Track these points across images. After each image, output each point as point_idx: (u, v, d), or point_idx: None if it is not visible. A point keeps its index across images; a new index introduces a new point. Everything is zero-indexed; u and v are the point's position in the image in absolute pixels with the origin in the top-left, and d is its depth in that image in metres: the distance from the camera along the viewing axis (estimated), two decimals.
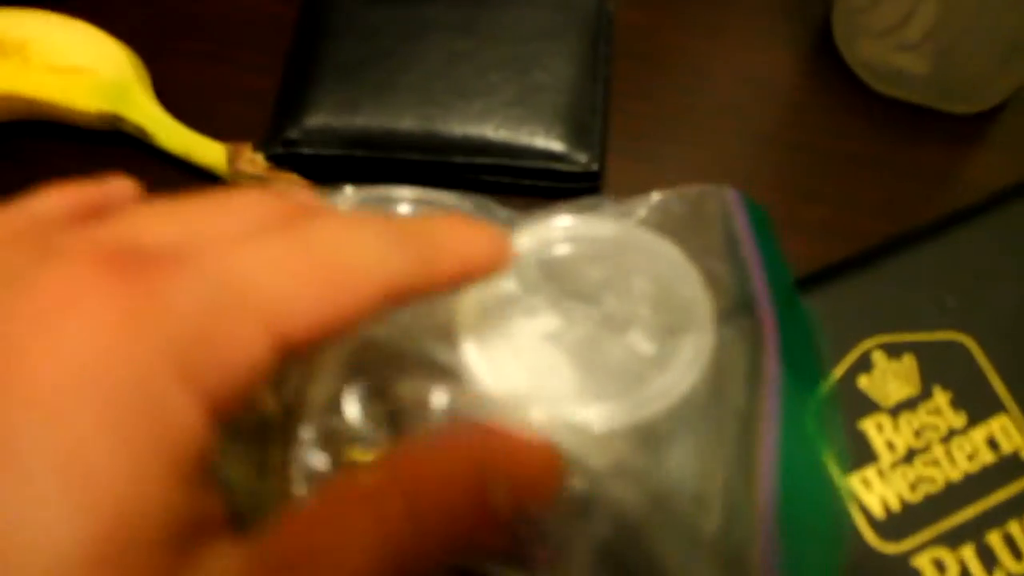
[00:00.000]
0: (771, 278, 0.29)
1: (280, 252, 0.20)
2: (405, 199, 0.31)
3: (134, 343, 0.18)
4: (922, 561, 0.35)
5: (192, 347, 0.18)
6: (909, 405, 0.38)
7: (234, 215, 0.21)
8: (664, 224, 0.30)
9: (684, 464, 0.26)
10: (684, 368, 0.27)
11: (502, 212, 0.30)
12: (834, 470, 0.29)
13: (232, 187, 0.23)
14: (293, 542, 0.20)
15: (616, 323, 0.27)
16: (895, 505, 0.36)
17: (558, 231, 0.30)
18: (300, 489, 0.23)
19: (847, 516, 0.28)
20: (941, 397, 0.38)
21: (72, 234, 0.20)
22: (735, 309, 0.29)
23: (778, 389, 0.27)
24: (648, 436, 0.25)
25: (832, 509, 0.27)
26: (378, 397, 0.25)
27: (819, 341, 0.30)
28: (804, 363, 0.29)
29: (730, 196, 0.31)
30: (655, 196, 0.31)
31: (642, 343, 0.27)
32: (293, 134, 0.46)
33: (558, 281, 0.28)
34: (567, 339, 0.27)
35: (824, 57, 0.48)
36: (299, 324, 0.20)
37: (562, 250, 0.29)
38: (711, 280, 0.29)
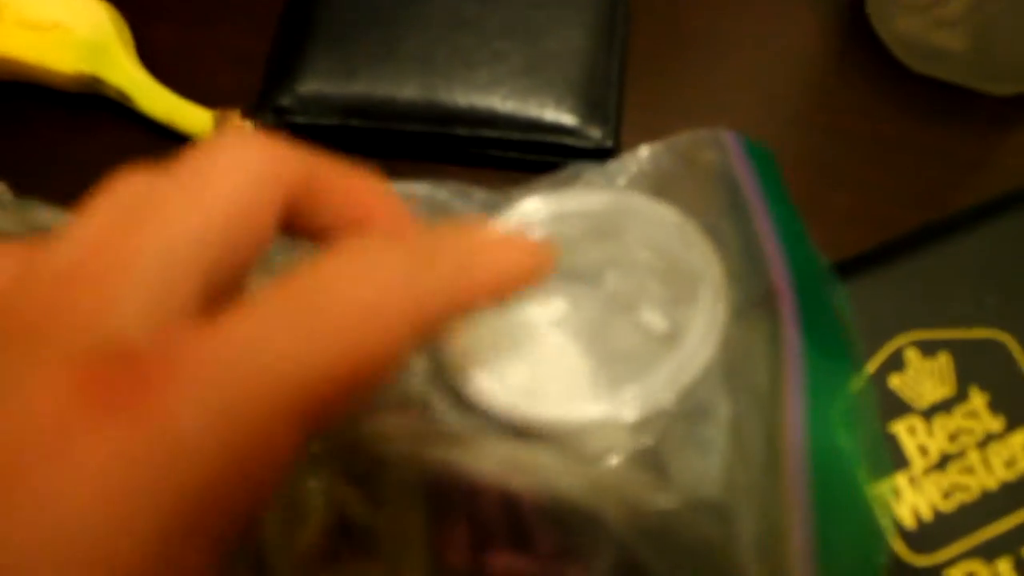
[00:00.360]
0: (780, 229, 0.27)
1: (283, 311, 0.18)
2: None
3: (133, 507, 0.15)
4: (955, 575, 0.34)
5: (205, 488, 0.16)
6: (944, 407, 0.37)
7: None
8: (657, 183, 0.29)
9: (708, 450, 0.25)
10: (697, 344, 0.25)
11: (480, 195, 0.29)
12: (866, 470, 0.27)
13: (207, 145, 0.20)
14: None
15: (623, 301, 0.27)
16: (927, 514, 0.35)
17: (544, 211, 0.28)
18: None
19: (887, 506, 0.26)
20: (978, 399, 0.37)
21: (51, 328, 0.17)
22: (745, 274, 0.27)
23: (800, 363, 0.26)
24: (668, 423, 0.25)
25: (868, 497, 0.25)
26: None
27: (842, 305, 0.27)
28: (828, 333, 0.27)
29: (727, 139, 0.29)
30: (643, 151, 0.29)
31: (653, 319, 0.26)
32: (285, 101, 0.44)
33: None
34: (575, 324, 0.26)
35: (855, 32, 0.47)
36: (328, 393, 0.17)
37: (553, 230, 0.28)
38: (714, 238, 0.27)
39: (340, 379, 0.17)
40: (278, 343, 0.17)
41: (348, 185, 0.22)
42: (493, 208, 0.28)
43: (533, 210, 0.28)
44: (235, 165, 0.19)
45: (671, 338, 0.26)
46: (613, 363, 0.26)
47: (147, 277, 0.17)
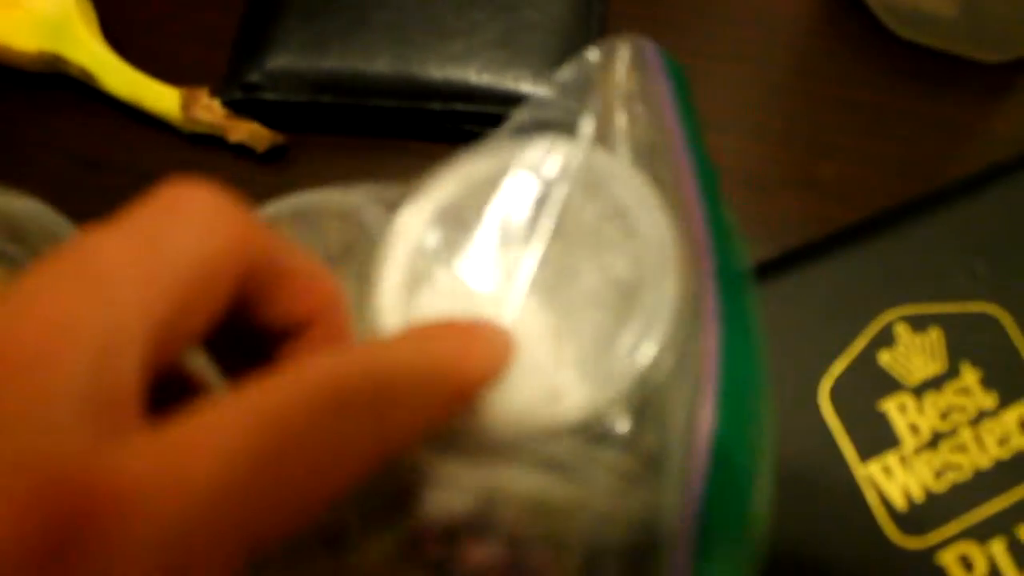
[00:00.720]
0: (698, 168, 0.27)
1: (242, 444, 0.17)
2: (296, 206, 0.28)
3: None
4: (948, 557, 0.34)
5: None
6: (935, 384, 0.37)
7: None
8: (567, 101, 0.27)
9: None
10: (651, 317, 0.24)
11: (391, 192, 0.27)
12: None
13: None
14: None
15: (587, 245, 0.26)
16: (918, 495, 0.35)
17: (474, 189, 0.27)
18: None
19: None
20: (970, 375, 0.37)
21: None
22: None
23: (714, 282, 0.25)
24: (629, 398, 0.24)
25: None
26: None
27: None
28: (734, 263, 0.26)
29: (643, 47, 0.28)
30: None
31: (615, 263, 0.26)
32: (254, 77, 0.43)
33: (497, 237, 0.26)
34: (541, 279, 0.25)
35: None
36: (274, 528, 0.17)
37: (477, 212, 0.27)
38: (630, 121, 0.26)
39: (287, 523, 0.17)
40: (231, 480, 0.16)
41: (301, 277, 0.21)
42: (403, 199, 0.27)
43: (469, 184, 0.27)
44: (200, 225, 0.18)
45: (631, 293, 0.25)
46: (578, 313, 0.25)
47: (87, 360, 0.16)
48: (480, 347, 0.22)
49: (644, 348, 0.24)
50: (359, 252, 0.26)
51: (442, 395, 0.21)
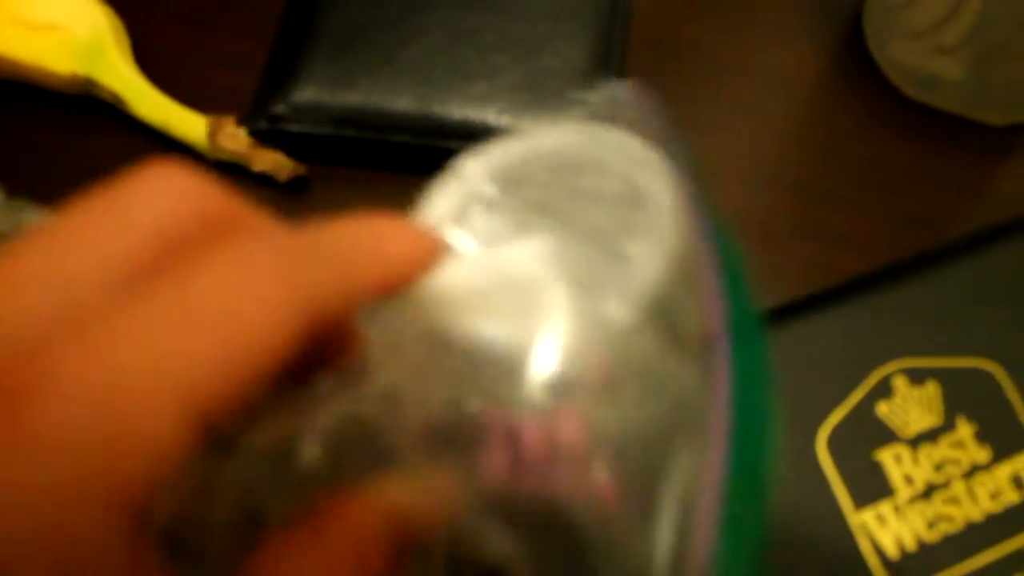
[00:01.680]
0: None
1: (163, 312, 0.18)
2: None
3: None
4: None
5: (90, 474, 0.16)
6: (930, 436, 0.37)
7: (103, 249, 0.19)
8: None
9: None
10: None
11: None
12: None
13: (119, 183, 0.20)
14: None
15: (600, 231, 0.26)
16: (911, 544, 0.36)
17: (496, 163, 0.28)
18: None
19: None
20: (965, 429, 0.37)
21: None
22: None
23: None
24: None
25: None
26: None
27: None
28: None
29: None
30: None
31: (629, 247, 0.26)
32: (279, 109, 0.44)
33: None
34: (557, 258, 0.26)
35: (853, 57, 0.47)
36: (213, 391, 0.18)
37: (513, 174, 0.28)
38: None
39: (227, 373, 0.18)
40: (159, 341, 0.17)
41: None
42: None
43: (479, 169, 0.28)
44: (159, 188, 0.19)
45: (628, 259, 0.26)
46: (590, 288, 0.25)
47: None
48: (403, 236, 0.22)
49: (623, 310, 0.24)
50: None
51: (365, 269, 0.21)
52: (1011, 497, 0.36)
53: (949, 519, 0.36)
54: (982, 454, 0.37)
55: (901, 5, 0.44)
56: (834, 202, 0.44)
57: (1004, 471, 0.36)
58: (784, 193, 0.44)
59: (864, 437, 0.37)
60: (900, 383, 0.37)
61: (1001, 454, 0.37)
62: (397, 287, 0.22)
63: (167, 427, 0.17)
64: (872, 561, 0.35)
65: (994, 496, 0.36)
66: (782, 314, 0.39)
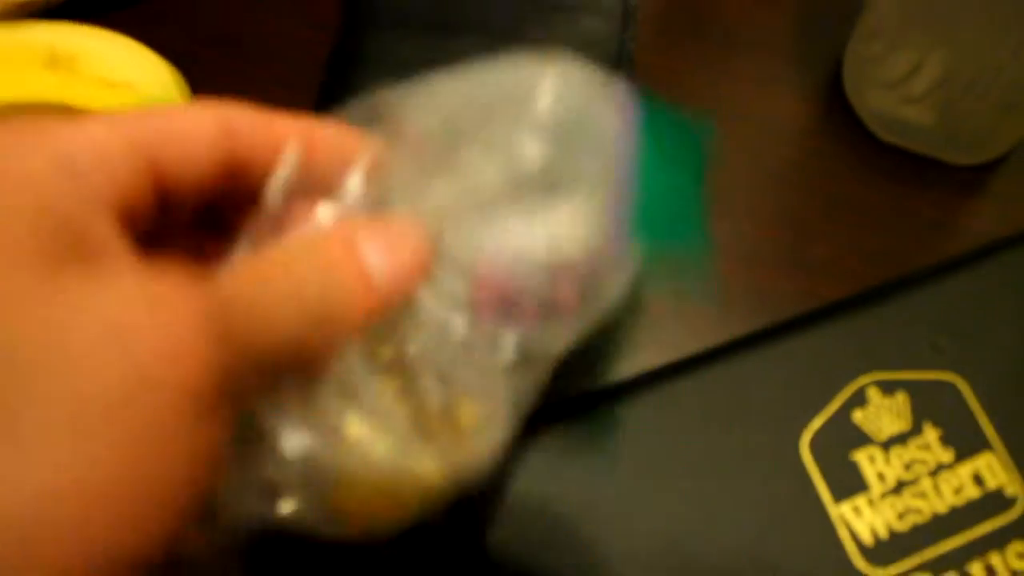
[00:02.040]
0: None
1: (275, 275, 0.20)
2: None
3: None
4: None
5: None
6: (900, 440, 0.38)
7: None
8: None
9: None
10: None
11: None
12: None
13: None
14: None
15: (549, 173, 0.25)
16: (883, 533, 0.37)
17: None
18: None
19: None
20: (931, 433, 0.39)
21: None
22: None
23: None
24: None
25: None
26: None
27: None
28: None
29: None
30: None
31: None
32: None
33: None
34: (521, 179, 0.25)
35: (834, 104, 0.48)
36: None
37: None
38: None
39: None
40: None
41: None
42: None
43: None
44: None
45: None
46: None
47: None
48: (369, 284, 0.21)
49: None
50: None
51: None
52: (972, 493, 0.37)
53: (917, 511, 0.37)
54: (946, 455, 0.38)
55: (875, 58, 0.45)
56: (814, 234, 0.44)
57: (965, 470, 0.38)
58: (769, 225, 0.44)
59: (842, 440, 0.38)
60: (873, 393, 0.39)
61: (963, 455, 0.38)
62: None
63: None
64: (849, 547, 0.37)
65: (957, 491, 0.37)
66: (768, 335, 0.40)
